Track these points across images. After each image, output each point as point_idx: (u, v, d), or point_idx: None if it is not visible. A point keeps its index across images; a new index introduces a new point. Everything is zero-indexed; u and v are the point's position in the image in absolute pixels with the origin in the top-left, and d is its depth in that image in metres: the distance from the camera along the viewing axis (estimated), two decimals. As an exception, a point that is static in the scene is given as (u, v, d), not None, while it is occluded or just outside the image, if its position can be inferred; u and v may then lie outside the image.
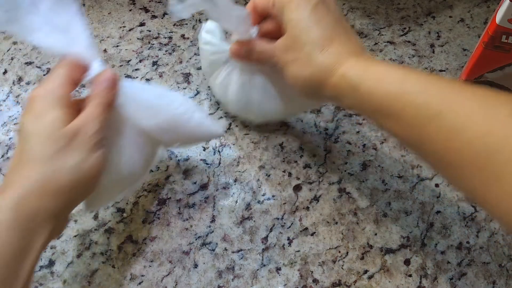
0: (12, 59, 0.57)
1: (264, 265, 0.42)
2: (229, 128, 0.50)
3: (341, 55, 0.34)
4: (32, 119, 0.32)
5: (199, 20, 0.60)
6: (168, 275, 0.42)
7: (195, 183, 0.47)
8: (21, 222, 0.30)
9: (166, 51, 0.57)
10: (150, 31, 0.59)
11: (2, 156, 0.49)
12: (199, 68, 0.55)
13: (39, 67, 0.56)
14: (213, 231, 0.44)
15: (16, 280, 0.30)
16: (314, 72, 0.35)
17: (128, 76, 0.54)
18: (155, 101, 0.39)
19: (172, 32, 0.59)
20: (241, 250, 0.43)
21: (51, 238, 0.33)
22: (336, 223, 0.44)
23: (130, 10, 0.61)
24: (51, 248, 0.43)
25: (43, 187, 0.31)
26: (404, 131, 0.31)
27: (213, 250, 0.43)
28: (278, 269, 0.42)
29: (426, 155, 0.31)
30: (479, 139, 0.27)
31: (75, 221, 0.45)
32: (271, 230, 0.44)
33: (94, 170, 0.33)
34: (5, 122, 0.52)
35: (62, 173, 0.31)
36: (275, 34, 0.39)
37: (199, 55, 0.56)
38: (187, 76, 0.54)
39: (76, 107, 0.34)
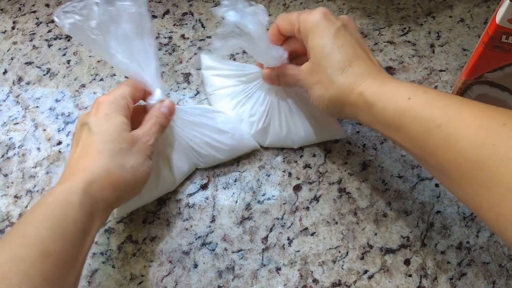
0: (12, 59, 0.57)
1: (264, 265, 0.42)
2: (229, 128, 0.50)
3: (359, 75, 0.36)
4: (100, 120, 0.37)
5: (199, 20, 0.60)
6: (168, 275, 0.42)
7: (195, 183, 0.47)
8: (87, 204, 0.33)
9: (166, 51, 0.57)
10: (150, 31, 0.59)
11: (2, 156, 0.49)
12: (199, 68, 0.55)
13: (39, 67, 0.56)
14: (213, 231, 0.44)
15: (80, 255, 0.33)
16: (335, 92, 0.37)
17: (127, 77, 0.54)
18: (201, 120, 0.45)
19: (172, 32, 0.59)
20: (241, 250, 0.43)
21: (98, 229, 0.36)
22: (336, 223, 0.44)
23: (130, 10, 0.61)
24: (51, 248, 0.43)
25: (107, 178, 0.34)
26: (411, 144, 0.33)
27: (213, 250, 0.43)
28: (278, 269, 0.42)
29: (430, 167, 0.33)
30: (472, 149, 0.29)
31: (75, 221, 0.45)
32: (271, 230, 0.44)
33: (145, 175, 0.38)
34: (5, 122, 0.52)
35: (124, 170, 0.35)
36: (300, 52, 0.43)
37: (199, 55, 0.56)
38: (187, 76, 0.54)
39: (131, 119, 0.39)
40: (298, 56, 0.43)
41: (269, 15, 0.59)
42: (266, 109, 0.46)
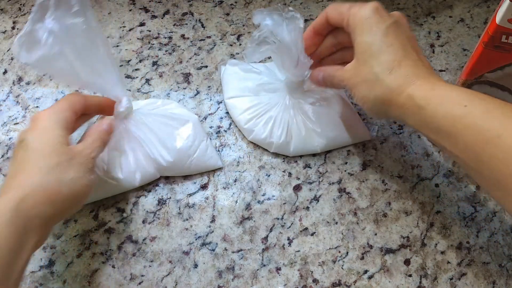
0: (12, 59, 0.57)
1: (264, 265, 0.42)
2: (229, 128, 0.50)
3: (409, 77, 0.35)
4: (37, 135, 0.35)
5: (199, 20, 0.60)
6: (168, 275, 0.42)
7: (195, 183, 0.47)
8: (19, 223, 0.31)
9: (166, 51, 0.57)
10: (150, 31, 0.59)
11: (2, 156, 0.49)
12: (199, 68, 0.55)
13: (39, 67, 0.56)
14: (213, 231, 0.44)
15: (9, 278, 0.31)
16: (382, 93, 0.36)
17: (128, 77, 0.54)
18: (163, 131, 0.46)
19: (172, 32, 0.59)
20: (241, 250, 0.43)
21: (36, 248, 0.34)
22: (336, 223, 0.44)
23: (130, 10, 0.61)
24: (51, 248, 0.43)
25: (42, 193, 0.33)
26: (463, 153, 0.32)
27: (213, 250, 0.43)
28: (278, 269, 0.42)
29: (483, 178, 0.32)
30: None
31: (75, 221, 0.45)
32: (271, 230, 0.44)
33: (87, 188, 0.36)
34: (5, 122, 0.52)
35: (62, 183, 0.34)
36: (346, 44, 0.41)
37: (199, 55, 0.56)
38: (187, 76, 0.54)
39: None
40: (345, 48, 0.42)
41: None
42: (287, 123, 0.46)
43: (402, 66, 0.35)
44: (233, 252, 0.43)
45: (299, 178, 0.47)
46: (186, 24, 0.59)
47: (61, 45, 0.37)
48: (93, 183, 0.38)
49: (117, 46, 0.57)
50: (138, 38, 0.58)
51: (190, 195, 0.46)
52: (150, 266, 0.42)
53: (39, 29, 0.36)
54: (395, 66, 0.35)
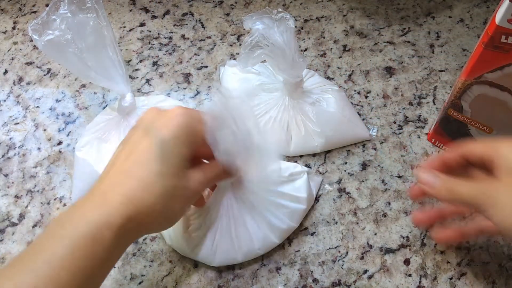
0: (12, 59, 0.57)
1: (264, 265, 0.42)
2: (229, 128, 0.50)
3: None
4: (170, 141, 0.31)
5: (199, 20, 0.60)
6: (168, 275, 0.42)
7: (195, 183, 0.47)
8: (121, 239, 0.30)
9: (166, 51, 0.57)
10: (150, 31, 0.59)
11: (3, 156, 0.49)
12: (199, 68, 0.55)
13: (39, 67, 0.56)
14: (213, 231, 0.44)
15: (99, 282, 0.30)
16: None
17: (128, 77, 0.54)
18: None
19: (172, 32, 0.59)
20: (241, 250, 0.43)
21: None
22: (336, 223, 0.44)
23: (130, 11, 0.61)
24: (51, 248, 0.43)
25: (147, 218, 0.30)
26: None
27: (213, 250, 0.43)
28: (278, 269, 0.42)
29: None
30: None
31: (76, 221, 0.45)
32: (271, 230, 0.44)
33: (176, 222, 0.34)
34: (5, 122, 0.52)
35: (163, 214, 0.31)
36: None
37: (199, 55, 0.56)
38: (187, 76, 0.54)
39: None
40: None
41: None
42: (286, 123, 0.47)
43: None
44: (233, 252, 0.43)
45: (299, 178, 0.47)
46: (186, 24, 0.59)
47: (73, 34, 0.39)
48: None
49: (118, 46, 0.57)
50: (138, 38, 0.58)
51: (190, 195, 0.46)
52: (150, 266, 0.42)
53: (53, 17, 0.39)
54: None
